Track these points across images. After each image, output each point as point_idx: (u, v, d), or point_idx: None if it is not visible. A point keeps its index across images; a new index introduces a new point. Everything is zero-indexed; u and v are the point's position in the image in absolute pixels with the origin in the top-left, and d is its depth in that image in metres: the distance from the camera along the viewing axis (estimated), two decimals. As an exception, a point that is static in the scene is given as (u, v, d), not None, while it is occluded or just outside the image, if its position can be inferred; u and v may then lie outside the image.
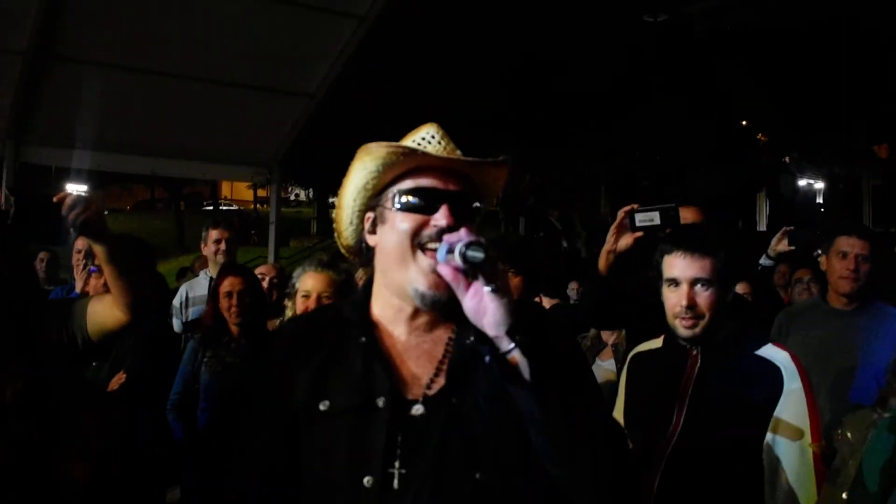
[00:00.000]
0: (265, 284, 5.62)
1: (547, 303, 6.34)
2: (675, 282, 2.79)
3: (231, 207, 54.81)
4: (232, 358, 4.66)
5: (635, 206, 3.42)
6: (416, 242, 1.86)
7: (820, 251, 4.44)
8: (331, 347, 1.95)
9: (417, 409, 1.84)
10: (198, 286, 6.19)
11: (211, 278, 5.86)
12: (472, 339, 1.81)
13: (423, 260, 1.85)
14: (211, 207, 47.23)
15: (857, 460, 2.30)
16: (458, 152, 1.96)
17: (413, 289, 1.86)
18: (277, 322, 5.53)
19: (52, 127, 7.12)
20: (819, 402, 3.96)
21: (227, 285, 4.77)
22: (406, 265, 1.87)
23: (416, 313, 1.94)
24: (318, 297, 3.74)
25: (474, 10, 18.68)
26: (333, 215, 2.08)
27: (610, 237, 3.45)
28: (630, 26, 20.95)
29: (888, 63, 23.49)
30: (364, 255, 2.04)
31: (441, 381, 1.87)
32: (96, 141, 7.24)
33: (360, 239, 2.03)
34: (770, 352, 2.80)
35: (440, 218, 1.84)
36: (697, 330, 2.77)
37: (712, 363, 2.80)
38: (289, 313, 3.92)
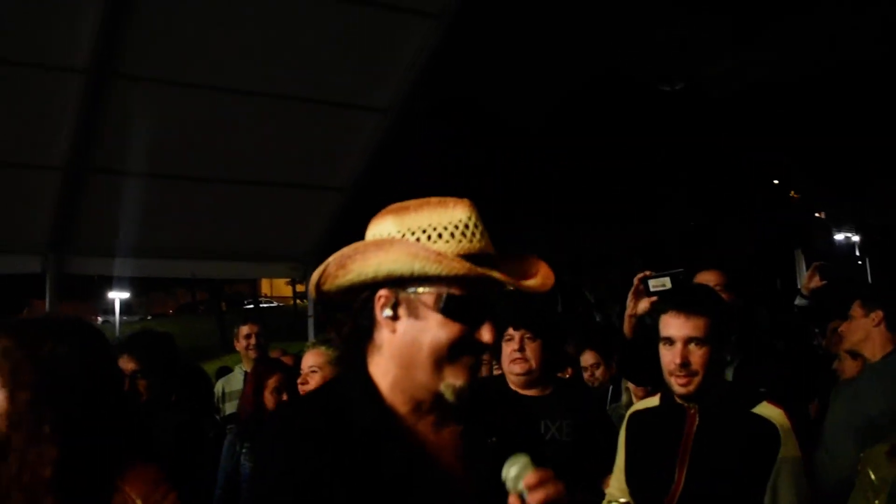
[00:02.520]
0: None
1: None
2: (670, 340, 2.87)
3: (271, 304, 55.21)
4: None
5: (648, 272, 3.56)
6: (455, 351, 1.80)
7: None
8: (356, 452, 1.76)
9: None
10: (234, 381, 6.30)
11: (245, 372, 5.94)
12: (493, 439, 1.87)
13: (461, 362, 1.81)
14: (252, 306, 47.59)
15: (882, 501, 2.30)
16: (486, 237, 1.86)
17: (447, 384, 1.81)
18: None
19: (92, 236, 7.30)
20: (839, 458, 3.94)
21: (274, 381, 4.87)
22: (440, 367, 1.81)
23: (432, 405, 1.87)
24: (307, 373, 3.87)
25: (489, 95, 18.97)
26: (327, 268, 1.90)
27: (629, 302, 3.58)
28: (647, 97, 21.13)
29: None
30: (355, 321, 1.92)
31: (479, 479, 1.85)
32: (136, 247, 7.40)
33: (351, 299, 1.91)
34: (765, 409, 2.84)
35: (486, 335, 1.80)
36: (691, 387, 2.82)
37: (710, 421, 2.84)
38: None
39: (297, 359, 6.81)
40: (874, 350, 4.21)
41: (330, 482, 1.70)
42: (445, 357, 1.80)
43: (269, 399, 4.83)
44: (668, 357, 2.88)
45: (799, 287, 5.52)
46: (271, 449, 1.81)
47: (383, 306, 1.84)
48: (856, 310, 4.32)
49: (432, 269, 1.74)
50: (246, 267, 8.68)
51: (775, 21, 18.01)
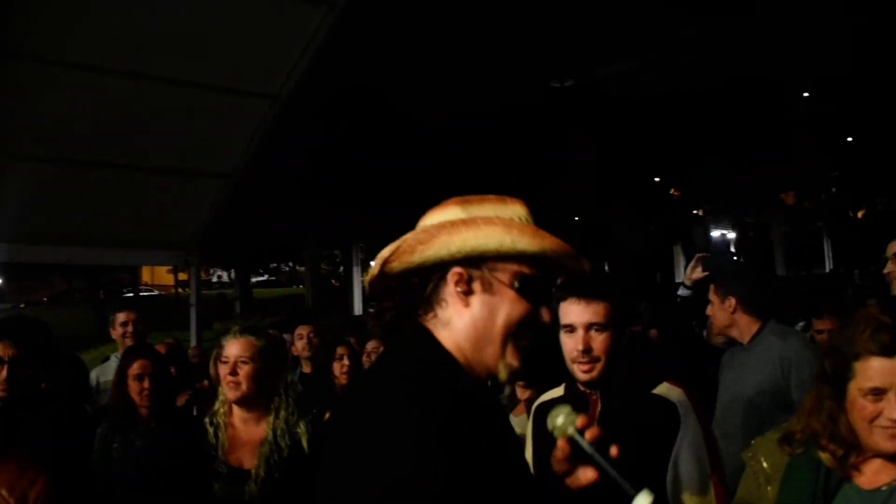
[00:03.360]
0: None
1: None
2: (571, 327, 2.87)
3: (152, 293, 53.81)
4: (142, 441, 4.54)
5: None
6: (520, 328, 1.88)
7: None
8: (481, 416, 1.83)
9: None
10: (109, 370, 6.08)
11: (121, 361, 5.77)
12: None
13: (519, 340, 1.89)
14: (131, 294, 46.25)
15: (774, 488, 2.36)
16: None
17: (505, 363, 1.88)
18: (185, 397, 5.42)
19: (-38, 221, 6.98)
20: (730, 439, 4.11)
21: (136, 368, 4.64)
22: (504, 343, 1.88)
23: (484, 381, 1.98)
24: (236, 362, 3.64)
25: (384, 85, 18.93)
26: (403, 244, 1.91)
27: None
28: (539, 92, 21.45)
29: (791, 115, 24.55)
30: (427, 296, 1.93)
31: None
32: (10, 232, 7.12)
33: (411, 286, 1.96)
34: (665, 390, 2.90)
35: (545, 315, 1.91)
36: (594, 374, 2.84)
37: (612, 406, 2.87)
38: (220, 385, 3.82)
39: (179, 346, 6.66)
40: (742, 333, 4.40)
41: (474, 442, 1.71)
42: (514, 333, 1.87)
43: (132, 387, 4.63)
44: (570, 344, 2.87)
45: (679, 280, 5.67)
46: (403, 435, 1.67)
47: (458, 282, 1.87)
48: (712, 295, 4.50)
49: (525, 243, 1.83)
50: (126, 254, 8.41)
51: (667, 28, 18.60)
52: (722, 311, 4.42)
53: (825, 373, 2.27)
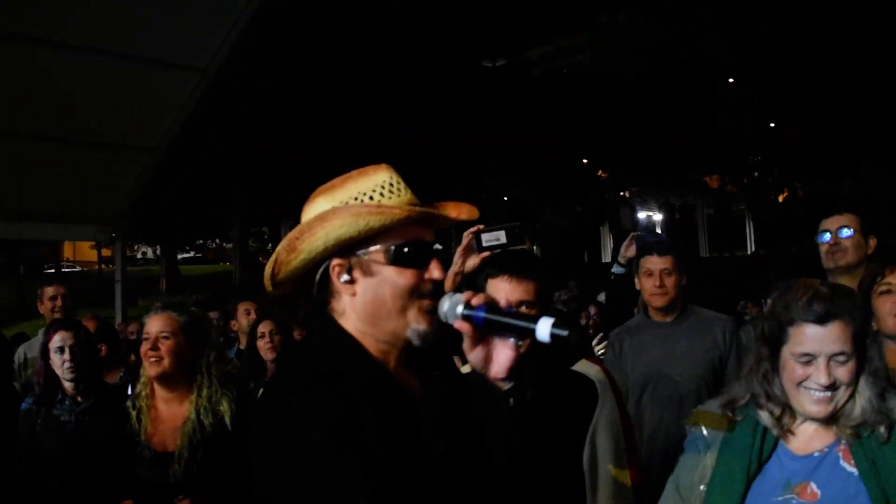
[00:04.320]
0: None
1: None
2: None
3: (74, 269, 52.56)
4: (68, 416, 4.47)
5: (481, 227, 3.51)
6: (415, 295, 1.93)
7: (633, 273, 4.68)
8: (375, 400, 1.87)
9: (440, 447, 1.94)
10: (36, 346, 5.97)
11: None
12: (438, 372, 2.06)
13: (420, 304, 1.93)
14: (52, 270, 45.10)
15: (713, 455, 2.44)
16: (410, 192, 2.01)
17: (412, 329, 1.94)
18: (119, 374, 5.34)
19: None
20: (656, 413, 4.24)
21: (57, 340, 4.55)
22: (404, 313, 1.94)
23: (399, 356, 2.00)
24: (157, 337, 3.61)
25: (314, 62, 18.77)
26: (278, 256, 1.98)
27: (457, 259, 3.52)
28: (471, 71, 21.53)
29: (716, 100, 25.07)
30: (314, 295, 2.02)
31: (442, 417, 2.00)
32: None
33: (306, 282, 2.01)
34: (584, 367, 2.98)
35: (435, 272, 1.95)
36: (521, 350, 2.90)
37: (532, 381, 2.93)
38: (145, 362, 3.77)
39: (107, 323, 6.55)
40: (675, 310, 4.50)
41: (374, 429, 1.79)
42: (407, 302, 1.93)
43: (54, 360, 4.55)
44: None
45: (606, 261, 5.77)
46: (303, 411, 1.83)
47: (339, 274, 1.95)
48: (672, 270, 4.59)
49: (376, 221, 1.88)
50: (49, 228, 8.21)
51: (595, 11, 18.82)
52: (679, 287, 4.49)
53: (763, 335, 2.36)
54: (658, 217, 37.57)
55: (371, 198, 1.95)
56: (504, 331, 1.89)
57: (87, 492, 3.69)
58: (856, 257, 4.08)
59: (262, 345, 5.82)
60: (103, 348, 5.57)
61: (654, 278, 4.40)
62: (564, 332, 1.76)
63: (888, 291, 3.06)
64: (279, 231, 32.59)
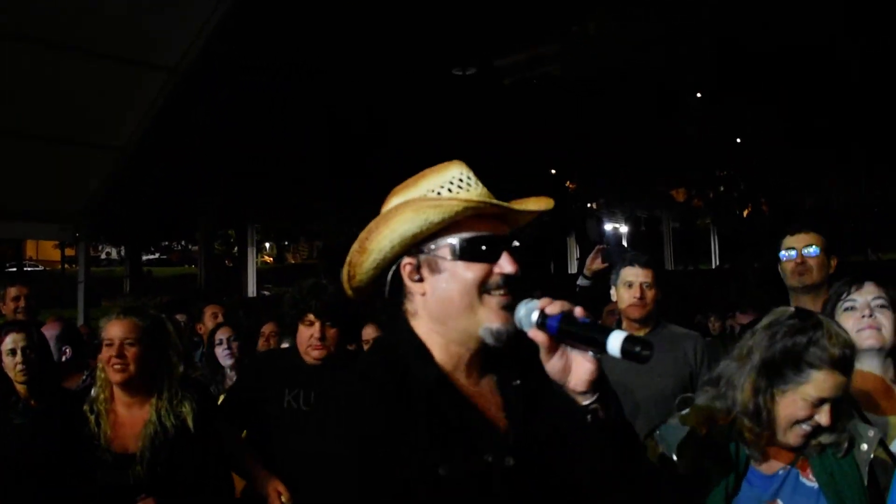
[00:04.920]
0: (52, 343, 5.38)
1: None
2: None
3: (37, 268, 51.91)
4: (20, 419, 4.39)
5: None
6: (483, 290, 1.89)
7: (611, 284, 4.69)
8: (422, 408, 1.87)
9: (509, 461, 1.89)
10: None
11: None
12: (518, 382, 1.99)
13: (491, 300, 1.89)
14: (14, 269, 44.53)
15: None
16: (482, 187, 1.99)
17: (485, 328, 1.90)
18: (82, 377, 5.27)
19: None
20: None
21: (9, 342, 4.49)
22: (474, 310, 1.90)
23: (472, 359, 1.97)
24: (121, 344, 3.56)
25: (288, 65, 18.72)
26: (351, 258, 1.99)
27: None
28: (440, 79, 21.55)
29: (684, 114, 25.31)
30: (388, 297, 2.03)
31: (516, 429, 1.94)
32: None
33: (383, 283, 2.01)
34: None
35: (506, 266, 1.90)
36: None
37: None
38: (99, 366, 3.72)
39: (72, 325, 6.46)
40: (648, 324, 4.52)
41: (395, 437, 1.82)
42: (476, 298, 1.90)
43: (6, 362, 4.46)
44: None
45: (572, 272, 5.79)
46: (339, 408, 1.96)
47: (410, 273, 1.96)
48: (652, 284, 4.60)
49: (435, 215, 1.86)
50: (11, 226, 8.11)
51: (562, 23, 18.95)
52: (656, 301, 4.49)
53: (764, 367, 2.38)
54: (624, 229, 37.84)
55: (439, 193, 1.93)
56: (577, 342, 1.80)
57: (43, 497, 3.62)
58: (820, 277, 4.11)
59: (220, 351, 5.80)
60: (67, 350, 5.51)
61: (635, 290, 4.39)
62: (637, 348, 1.68)
63: (852, 308, 3.10)
64: (245, 234, 32.41)
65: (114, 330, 3.61)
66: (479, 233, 1.91)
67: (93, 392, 3.67)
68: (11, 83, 6.50)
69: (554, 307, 1.79)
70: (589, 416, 1.84)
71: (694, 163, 29.01)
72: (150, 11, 6.44)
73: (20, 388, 4.48)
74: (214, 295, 20.13)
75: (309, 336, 3.97)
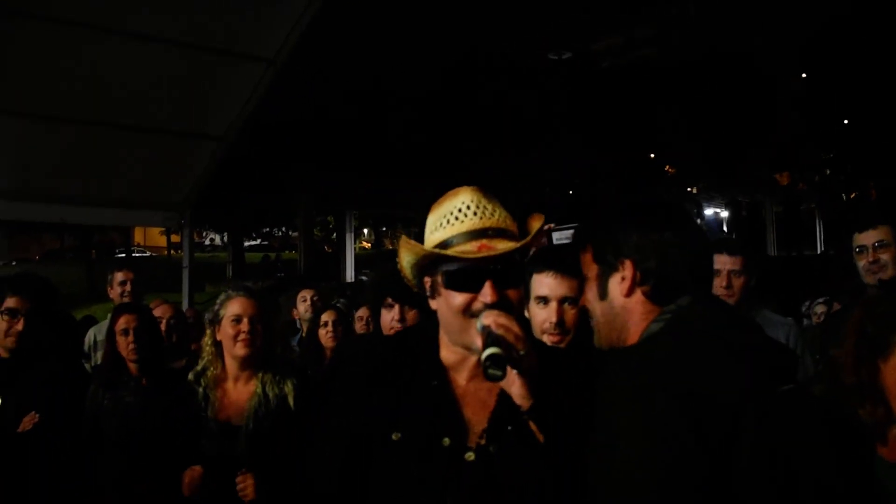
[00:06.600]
0: (163, 326, 5.58)
1: None
2: (545, 299, 2.99)
3: (144, 254, 53.67)
4: (132, 397, 4.58)
5: (552, 224, 3.56)
6: (468, 315, 2.12)
7: None
8: (403, 382, 2.22)
9: (470, 456, 2.10)
10: (104, 329, 6.12)
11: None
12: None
13: (476, 324, 2.09)
14: (123, 255, 46.13)
15: None
16: (497, 212, 2.17)
17: (475, 347, 2.08)
18: (183, 362, 5.47)
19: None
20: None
21: (122, 323, 4.68)
22: (465, 329, 2.13)
23: (475, 364, 2.16)
24: (250, 320, 3.74)
25: (381, 52, 18.83)
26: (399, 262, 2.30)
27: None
28: (536, 64, 21.38)
29: (788, 96, 24.53)
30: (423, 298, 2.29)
31: (492, 433, 2.14)
32: (3, 189, 7.13)
33: (420, 283, 2.29)
34: None
35: (487, 296, 2.09)
36: (563, 345, 2.93)
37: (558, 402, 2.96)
38: (208, 341, 3.86)
39: (181, 312, 6.67)
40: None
41: (374, 399, 2.21)
42: (463, 322, 2.13)
43: (119, 342, 4.68)
44: (543, 315, 2.98)
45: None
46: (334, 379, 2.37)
47: (427, 289, 2.26)
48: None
49: (410, 258, 2.23)
50: (119, 214, 8.38)
51: (660, 5, 18.55)
52: (745, 289, 4.36)
53: (865, 336, 2.24)
54: (725, 214, 36.95)
55: (442, 224, 2.16)
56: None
57: (151, 469, 3.78)
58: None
59: (324, 333, 5.91)
60: (174, 336, 5.72)
61: (722, 278, 4.20)
62: (486, 365, 1.92)
63: None
64: (344, 221, 32.83)
65: (240, 307, 3.76)
66: (463, 265, 2.10)
67: (199, 365, 3.82)
68: (119, 78, 6.73)
69: (487, 318, 2.03)
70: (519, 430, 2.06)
71: (799, 145, 28.13)
72: (250, 5, 6.59)
73: (132, 366, 4.69)
74: (314, 280, 20.47)
75: (391, 319, 4.07)
